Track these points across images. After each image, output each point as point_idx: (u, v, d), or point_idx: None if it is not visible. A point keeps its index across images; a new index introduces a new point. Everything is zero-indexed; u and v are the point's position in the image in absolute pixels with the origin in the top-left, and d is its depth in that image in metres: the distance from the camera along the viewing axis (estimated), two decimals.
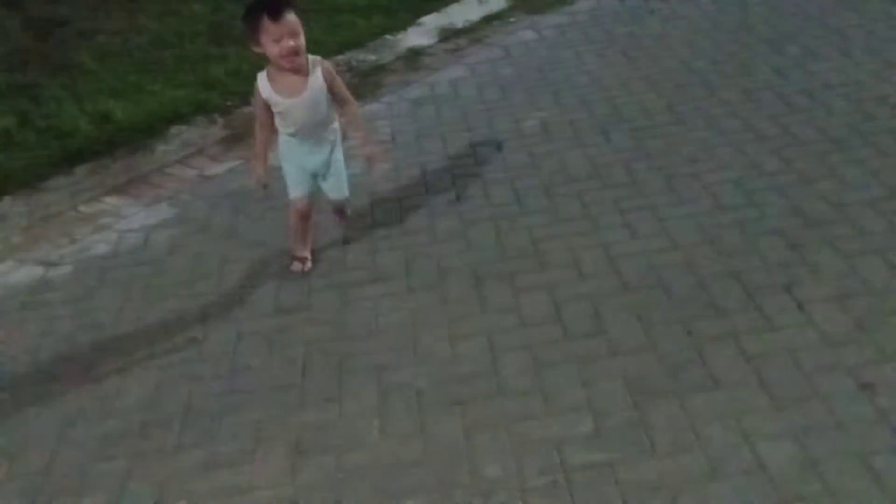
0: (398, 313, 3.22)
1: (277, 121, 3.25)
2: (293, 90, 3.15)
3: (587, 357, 2.90)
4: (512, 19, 6.02)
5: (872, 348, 2.82)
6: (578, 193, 3.86)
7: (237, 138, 4.67)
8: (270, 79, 3.15)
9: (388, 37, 5.84)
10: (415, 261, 3.50)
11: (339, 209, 3.61)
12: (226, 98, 5.03)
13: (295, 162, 3.33)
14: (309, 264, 3.51)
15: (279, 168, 3.42)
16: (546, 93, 4.90)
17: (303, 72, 3.14)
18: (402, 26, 5.95)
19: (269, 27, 2.97)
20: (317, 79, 3.17)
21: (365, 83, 5.16)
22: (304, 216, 3.45)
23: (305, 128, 3.24)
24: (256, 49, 3.07)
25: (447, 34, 5.85)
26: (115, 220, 4.03)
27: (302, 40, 3.05)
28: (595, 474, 2.48)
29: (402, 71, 5.38)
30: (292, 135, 3.26)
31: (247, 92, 5.00)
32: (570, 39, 5.60)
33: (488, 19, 6.04)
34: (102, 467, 2.68)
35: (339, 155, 3.38)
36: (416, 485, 2.51)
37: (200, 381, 2.99)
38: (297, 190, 3.39)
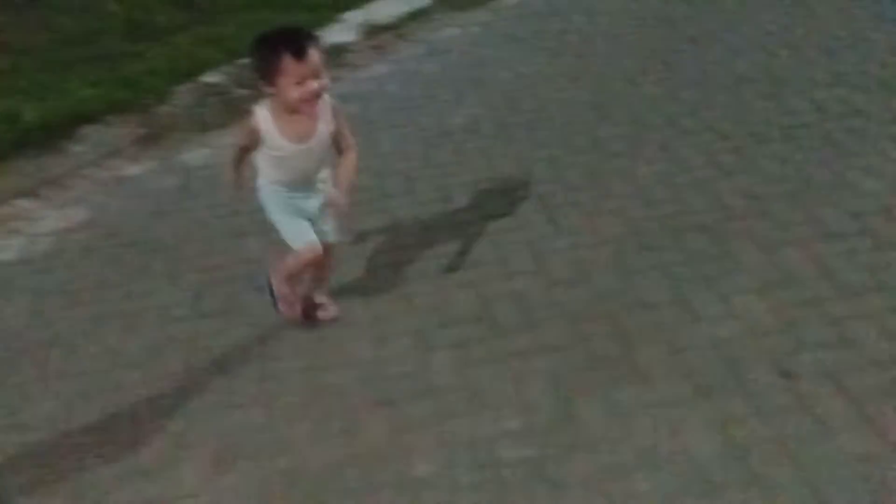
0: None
1: (267, 164, 2.82)
2: (302, 135, 2.73)
3: (515, 354, 2.93)
4: (436, 16, 6.04)
5: (793, 338, 2.91)
6: (505, 190, 3.89)
7: (154, 138, 4.59)
8: (276, 118, 2.70)
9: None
10: (340, 261, 3.48)
11: (327, 252, 3.02)
12: (142, 97, 4.93)
13: (291, 210, 2.88)
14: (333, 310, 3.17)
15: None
16: (472, 90, 4.93)
17: (315, 115, 2.73)
18: (324, 22, 5.91)
19: (290, 67, 2.54)
20: (327, 123, 2.77)
21: None
22: (319, 263, 2.98)
23: (303, 177, 2.84)
24: (268, 90, 2.63)
25: (370, 31, 5.85)
26: (26, 224, 3.92)
27: (326, 80, 2.64)
28: (525, 470, 2.50)
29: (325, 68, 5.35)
30: (285, 184, 2.84)
31: (163, 90, 4.95)
32: (494, 36, 5.65)
33: (412, 15, 6.05)
34: (12, 482, 2.60)
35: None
36: (344, 487, 2.50)
37: (119, 390, 2.92)
38: (304, 238, 2.87)
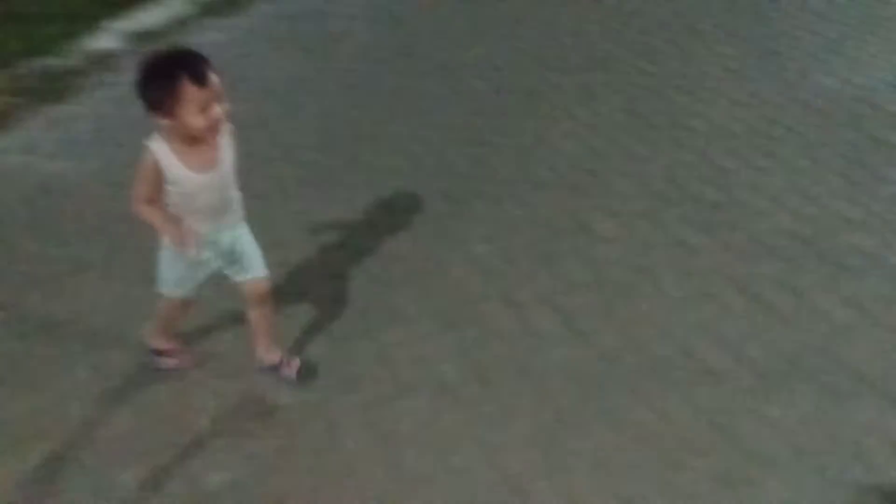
0: (101, 298, 3.06)
1: (171, 203, 2.33)
2: (205, 165, 2.29)
3: (289, 314, 2.94)
4: (199, 22, 5.84)
5: (517, 274, 3.14)
6: (272, 170, 3.87)
7: None
8: (174, 150, 2.24)
9: (74, 41, 5.43)
10: (119, 252, 3.33)
11: (261, 296, 2.58)
12: None
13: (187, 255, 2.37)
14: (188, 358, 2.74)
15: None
16: (234, 86, 4.82)
17: (216, 142, 2.32)
18: (87, 31, 5.55)
19: (192, 94, 2.12)
20: (228, 146, 2.36)
21: (54, 87, 4.79)
22: (186, 308, 2.64)
23: (213, 211, 2.38)
24: (167, 121, 2.17)
25: (135, 38, 5.56)
26: None
27: (227, 104, 2.24)
28: (304, 411, 2.55)
29: (91, 73, 5.04)
30: (194, 221, 2.36)
31: None
32: (255, 39, 5.57)
33: (175, 23, 5.81)
34: None
35: (243, 229, 2.52)
36: (133, 453, 2.43)
37: None
38: (177, 288, 2.53)
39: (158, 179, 2.26)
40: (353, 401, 2.59)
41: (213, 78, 2.16)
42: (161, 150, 2.24)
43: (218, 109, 2.19)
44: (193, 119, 2.16)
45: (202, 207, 2.35)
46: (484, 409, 2.55)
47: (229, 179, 2.39)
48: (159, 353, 2.73)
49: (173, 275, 2.50)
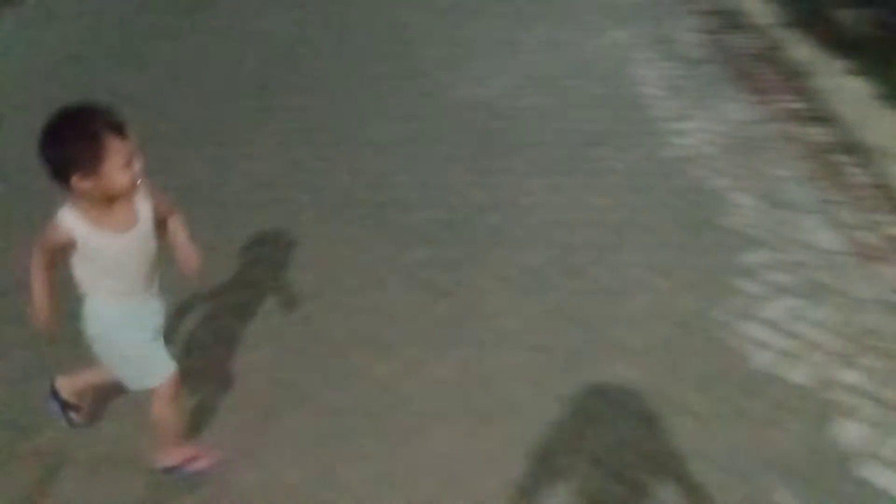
0: None
1: (96, 275, 1.98)
2: (124, 223, 1.95)
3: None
4: None
5: (212, 286, 3.14)
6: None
7: None
8: (88, 217, 1.89)
9: None
10: None
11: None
12: None
13: (144, 333, 2.09)
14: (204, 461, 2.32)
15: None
16: None
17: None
18: None
19: (117, 149, 1.82)
20: (145, 202, 2.01)
21: None
22: (178, 391, 2.22)
23: (141, 274, 2.03)
24: (84, 185, 1.82)
25: None
26: None
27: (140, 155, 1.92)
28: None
29: None
30: (127, 295, 2.03)
31: None
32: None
33: None
34: None
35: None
36: None
37: None
38: (168, 365, 2.15)
39: (63, 249, 1.93)
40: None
41: (129, 128, 1.88)
42: (73, 220, 1.89)
43: (138, 163, 1.90)
44: (119, 175, 1.85)
45: (130, 273, 2.02)
46: (196, 409, 2.58)
47: (152, 236, 2.05)
48: (180, 465, 2.31)
49: (155, 357, 2.12)
